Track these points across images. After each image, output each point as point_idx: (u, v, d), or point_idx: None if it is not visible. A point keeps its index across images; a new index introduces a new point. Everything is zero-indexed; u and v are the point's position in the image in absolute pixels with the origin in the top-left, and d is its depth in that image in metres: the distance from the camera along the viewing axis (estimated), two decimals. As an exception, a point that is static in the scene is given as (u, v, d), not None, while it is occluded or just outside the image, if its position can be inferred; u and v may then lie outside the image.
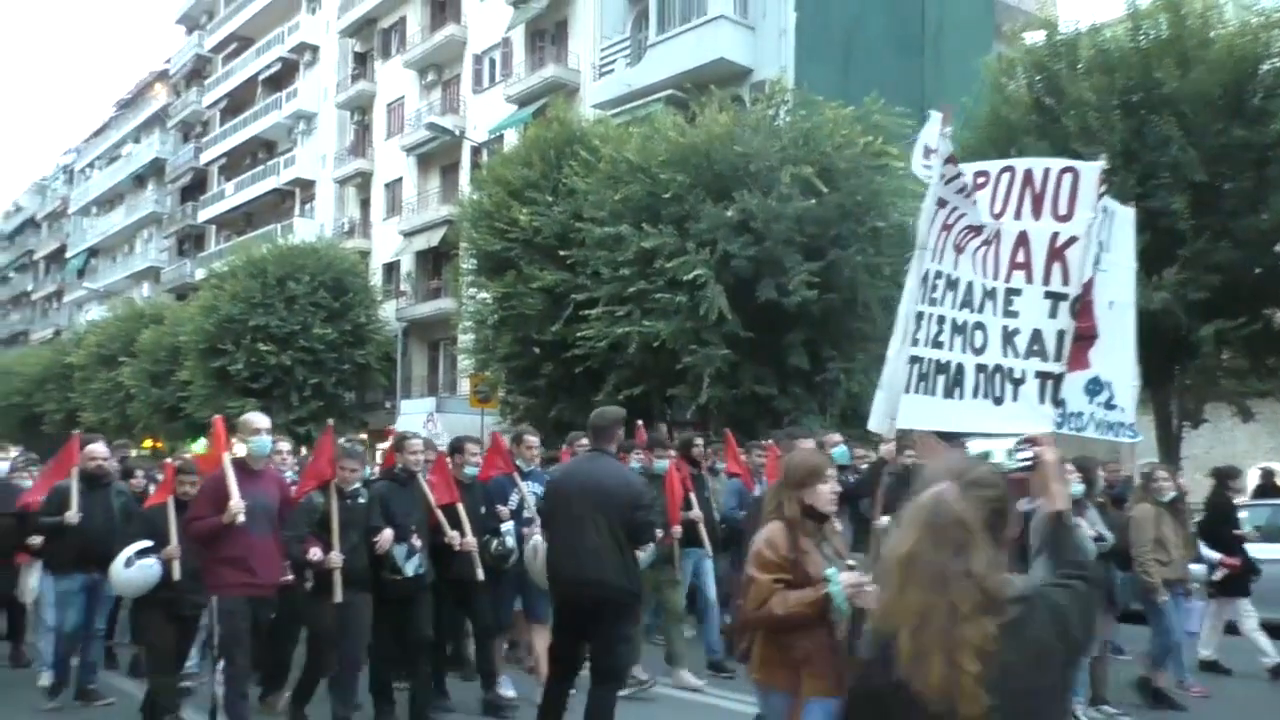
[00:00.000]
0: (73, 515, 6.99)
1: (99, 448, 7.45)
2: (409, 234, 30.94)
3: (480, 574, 6.51)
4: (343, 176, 35.24)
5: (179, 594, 6.22)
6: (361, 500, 6.18)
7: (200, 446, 10.62)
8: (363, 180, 34.82)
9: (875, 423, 5.33)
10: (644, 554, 5.93)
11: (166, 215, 47.38)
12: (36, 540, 7.32)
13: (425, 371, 30.92)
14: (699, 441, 8.69)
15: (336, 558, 5.84)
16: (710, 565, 8.04)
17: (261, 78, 40.08)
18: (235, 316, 23.98)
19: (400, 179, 32.74)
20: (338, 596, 5.83)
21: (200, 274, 35.78)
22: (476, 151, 26.80)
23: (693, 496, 7.84)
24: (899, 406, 5.15)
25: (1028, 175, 5.31)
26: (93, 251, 54.57)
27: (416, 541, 6.23)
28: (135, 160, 50.79)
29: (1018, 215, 5.23)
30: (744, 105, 17.23)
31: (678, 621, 7.89)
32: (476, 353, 18.46)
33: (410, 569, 6.20)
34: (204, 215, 42.92)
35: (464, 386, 23.40)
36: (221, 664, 5.65)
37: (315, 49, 37.71)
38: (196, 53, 46.49)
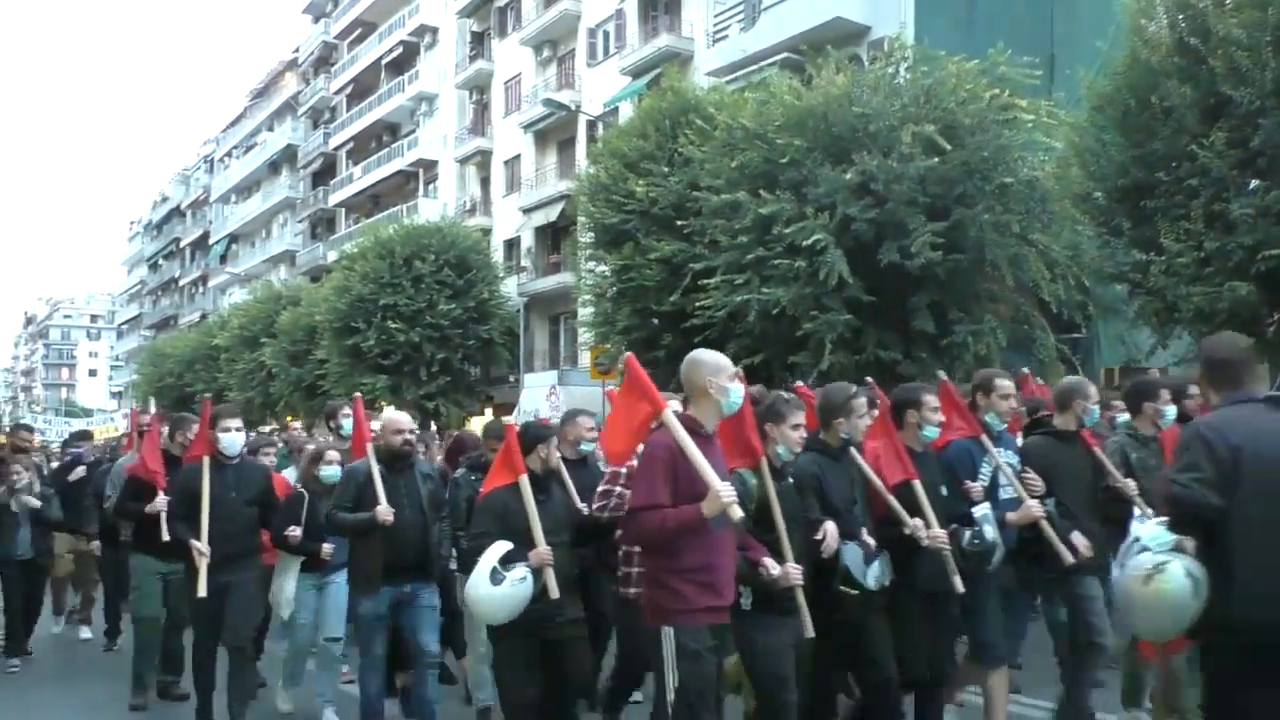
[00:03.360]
0: (385, 510, 5.30)
1: (403, 417, 5.75)
2: (528, 210, 31.37)
3: (959, 582, 4.61)
4: (463, 156, 35.93)
5: (547, 613, 4.53)
6: (790, 480, 4.44)
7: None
8: (482, 159, 35.43)
9: None
10: None
11: (299, 200, 49.31)
12: (295, 532, 5.91)
13: (547, 345, 31.39)
14: (1194, 389, 5.91)
15: (796, 571, 4.08)
16: None
17: (384, 62, 41.16)
18: (366, 296, 24.89)
19: (519, 156, 33.19)
20: (808, 630, 4.11)
21: (332, 256, 37.16)
22: (592, 125, 26.92)
23: None
24: None
25: None
26: (233, 237, 57.30)
27: (869, 539, 4.49)
28: (269, 148, 52.98)
29: None
30: (862, 65, 16.77)
31: None
32: (596, 325, 18.63)
33: (872, 579, 4.41)
34: (334, 199, 44.46)
35: (585, 359, 23.65)
36: None
37: (435, 30, 38.47)
38: (323, 40, 48.05)
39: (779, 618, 4.14)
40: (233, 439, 5.93)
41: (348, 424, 7.27)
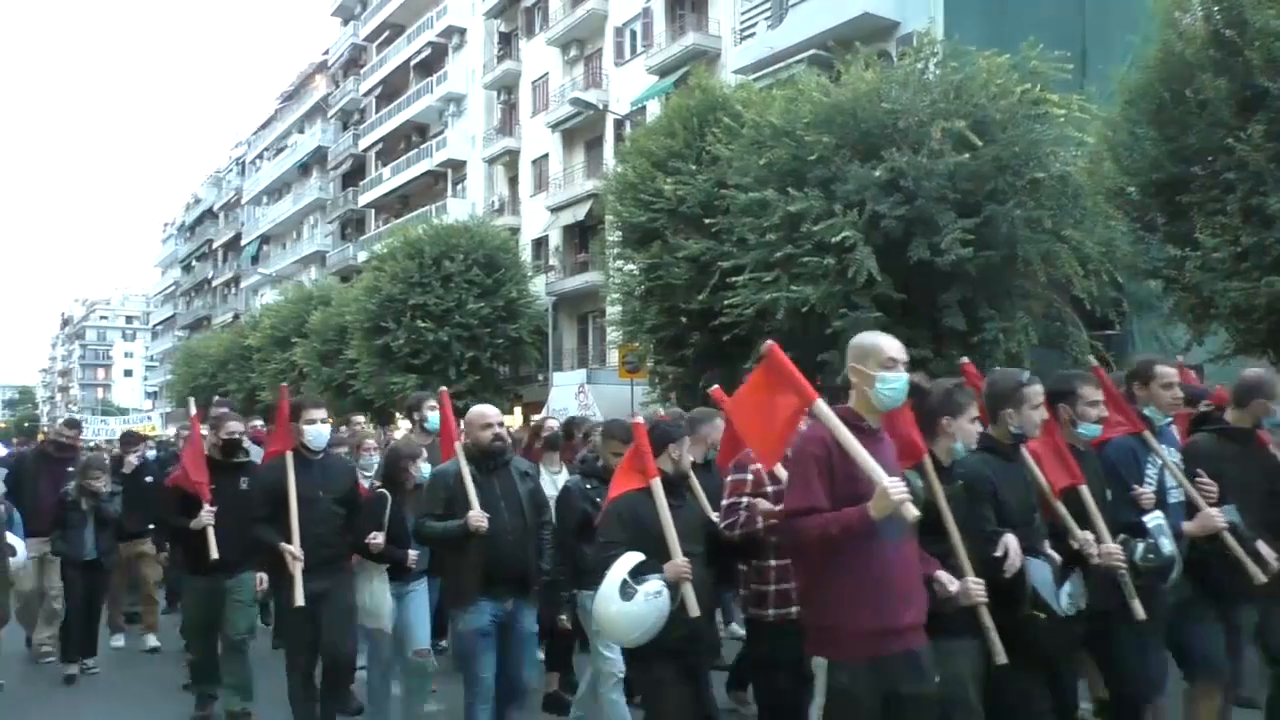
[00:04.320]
0: (477, 516, 4.76)
1: (489, 410, 5.17)
2: (556, 209, 31.45)
3: (1139, 607, 3.98)
4: (491, 155, 36.08)
5: (694, 632, 3.96)
6: (959, 483, 3.82)
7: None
8: (510, 158, 35.56)
9: None
10: None
11: (329, 201, 49.72)
12: (378, 539, 5.29)
13: (575, 344, 31.47)
14: None
15: (978, 587, 3.52)
16: None
17: (413, 63, 41.42)
18: (395, 296, 25.07)
19: (546, 155, 33.27)
20: (1000, 655, 3.54)
21: (362, 256, 37.46)
22: (619, 124, 26.93)
23: None
24: None
25: None
26: (264, 239, 57.88)
27: (1054, 553, 3.86)
28: (299, 150, 53.47)
29: None
30: (891, 61, 16.65)
31: None
32: (624, 324, 18.64)
33: (1065, 602, 3.79)
34: (364, 200, 44.79)
35: (613, 358, 23.69)
36: None
37: (462, 31, 38.65)
38: (352, 42, 48.44)
39: (954, 641, 3.53)
40: (318, 431, 5.44)
41: (434, 417, 6.66)
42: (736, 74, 22.36)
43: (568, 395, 24.75)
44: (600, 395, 22.99)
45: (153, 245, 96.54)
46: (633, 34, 29.66)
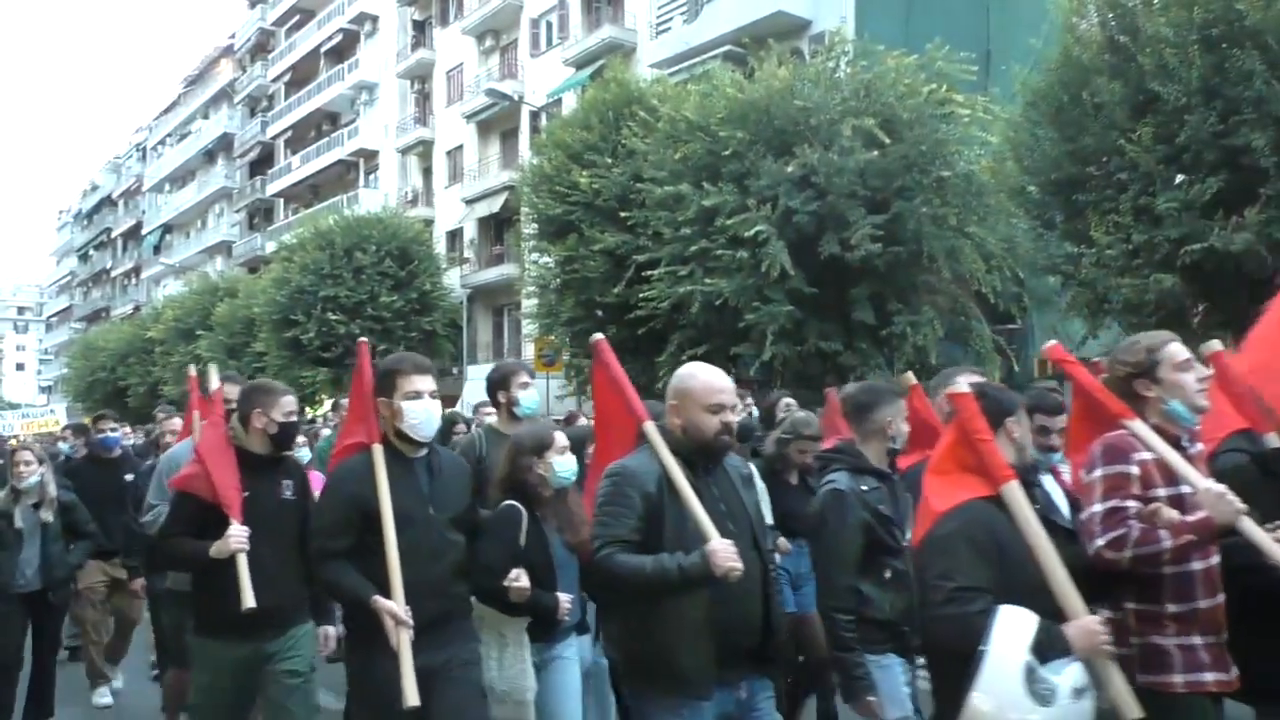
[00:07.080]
0: (725, 552, 2.81)
1: (722, 380, 3.11)
2: (471, 201, 31.14)
3: None
4: (405, 146, 35.54)
5: None
6: None
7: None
8: (424, 149, 35.08)
9: None
10: None
11: (236, 190, 48.36)
12: (524, 581, 3.47)
13: (490, 337, 31.22)
14: None
15: None
16: None
17: (324, 50, 40.52)
18: (305, 288, 24.59)
19: (461, 146, 32.92)
20: None
21: (270, 247, 36.54)
22: (535, 116, 26.80)
23: None
24: None
25: None
26: (167, 228, 56.04)
27: None
28: (204, 136, 51.85)
29: None
30: (803, 58, 16.92)
31: None
32: (540, 317, 18.58)
33: None
34: (272, 189, 43.68)
35: (528, 351, 23.56)
36: None
37: (375, 19, 37.95)
38: (260, 26, 47.15)
39: None
40: (427, 411, 3.36)
41: (527, 399, 4.66)
42: (652, 68, 22.45)
43: (483, 389, 24.55)
44: (516, 388, 22.83)
45: (48, 234, 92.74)
46: (549, 25, 29.52)
